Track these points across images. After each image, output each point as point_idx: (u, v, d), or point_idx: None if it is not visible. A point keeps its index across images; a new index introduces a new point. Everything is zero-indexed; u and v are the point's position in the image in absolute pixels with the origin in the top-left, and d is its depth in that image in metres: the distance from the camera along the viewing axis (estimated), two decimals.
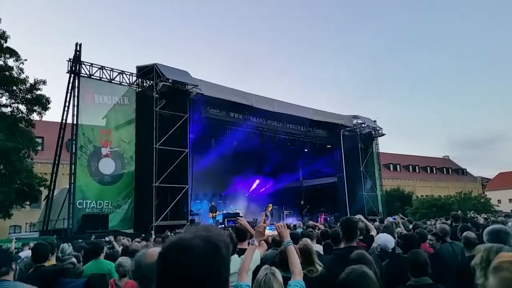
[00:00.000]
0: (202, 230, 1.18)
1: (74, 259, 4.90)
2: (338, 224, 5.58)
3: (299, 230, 9.92)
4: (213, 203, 24.02)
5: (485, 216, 15.79)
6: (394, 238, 5.48)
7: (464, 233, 5.72)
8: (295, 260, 3.17)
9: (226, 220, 21.89)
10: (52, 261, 5.36)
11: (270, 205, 26.34)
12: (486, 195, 48.20)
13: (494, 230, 3.99)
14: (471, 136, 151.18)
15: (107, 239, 10.64)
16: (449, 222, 10.86)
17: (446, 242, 6.11)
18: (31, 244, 8.39)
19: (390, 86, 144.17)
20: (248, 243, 3.94)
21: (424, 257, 3.57)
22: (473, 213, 16.81)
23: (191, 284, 1.08)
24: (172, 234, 12.12)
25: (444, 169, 71.23)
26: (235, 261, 4.06)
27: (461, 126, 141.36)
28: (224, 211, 23.52)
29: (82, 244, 8.22)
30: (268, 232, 5.33)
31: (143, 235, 13.77)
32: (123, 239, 10.67)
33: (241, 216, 16.02)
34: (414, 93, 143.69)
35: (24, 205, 23.86)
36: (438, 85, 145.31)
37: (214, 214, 22.79)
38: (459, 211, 15.10)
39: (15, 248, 9.93)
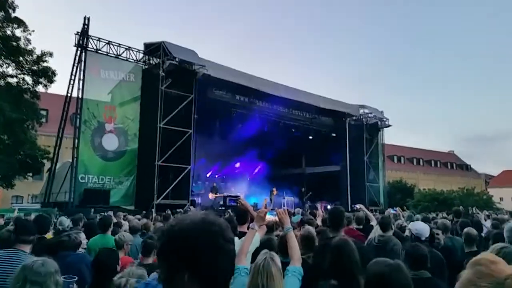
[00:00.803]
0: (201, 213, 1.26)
1: (73, 233, 4.84)
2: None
3: (298, 217, 9.88)
4: (215, 183, 24.00)
5: (487, 213, 15.70)
6: (391, 229, 5.45)
7: (466, 229, 5.68)
8: (295, 246, 3.18)
9: (227, 199, 21.91)
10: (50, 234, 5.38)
11: (275, 189, 26.31)
12: (489, 192, 48.09)
13: None
14: (478, 132, 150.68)
15: (106, 214, 10.68)
16: (450, 216, 10.83)
17: (447, 237, 6.10)
18: (33, 216, 8.41)
19: (399, 78, 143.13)
20: (248, 227, 3.91)
21: (424, 250, 3.53)
22: (475, 209, 16.70)
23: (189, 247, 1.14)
24: (171, 212, 12.15)
25: (448, 163, 71.08)
26: (235, 243, 4.02)
27: (468, 122, 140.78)
28: (225, 194, 23.52)
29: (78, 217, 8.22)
30: (269, 217, 5.31)
31: (144, 212, 13.81)
32: (125, 214, 10.74)
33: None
34: (422, 86, 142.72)
35: (26, 176, 24.03)
36: (447, 80, 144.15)
37: (215, 195, 22.79)
38: (461, 207, 15.01)
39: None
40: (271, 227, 5.18)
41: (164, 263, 1.17)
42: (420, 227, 4.81)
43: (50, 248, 4.05)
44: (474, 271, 1.15)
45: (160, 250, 1.21)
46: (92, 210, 14.33)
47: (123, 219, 9.40)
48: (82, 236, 4.82)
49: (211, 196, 23.09)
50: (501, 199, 53.51)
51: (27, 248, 3.55)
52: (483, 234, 6.62)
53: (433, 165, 68.14)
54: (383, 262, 2.23)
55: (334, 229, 4.22)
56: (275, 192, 26.00)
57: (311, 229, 4.06)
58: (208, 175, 28.06)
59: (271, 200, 25.50)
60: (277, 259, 2.87)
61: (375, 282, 2.16)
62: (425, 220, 8.72)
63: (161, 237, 1.22)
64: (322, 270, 3.12)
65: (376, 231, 5.30)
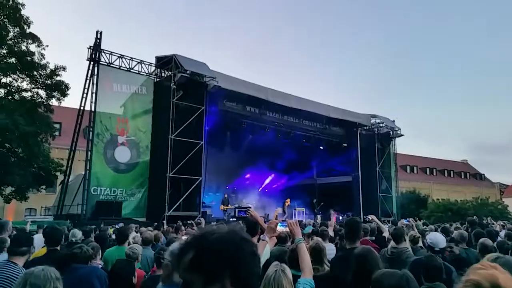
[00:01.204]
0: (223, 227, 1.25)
1: (85, 245, 4.87)
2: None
3: (309, 228, 9.79)
4: (226, 195, 23.98)
5: (502, 223, 15.44)
6: (404, 240, 5.38)
7: (481, 240, 5.58)
8: (306, 259, 3.15)
9: (237, 210, 21.89)
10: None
11: (288, 200, 26.19)
12: (503, 201, 47.23)
13: None
14: (491, 141, 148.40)
15: (117, 226, 10.75)
16: (464, 227, 10.68)
17: (462, 248, 6.00)
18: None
19: (411, 87, 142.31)
20: (259, 239, 3.90)
21: (439, 262, 3.48)
22: (489, 220, 16.44)
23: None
24: (182, 223, 12.15)
25: (462, 173, 70.10)
26: None
27: (481, 130, 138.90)
28: (236, 205, 23.47)
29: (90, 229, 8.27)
30: (280, 228, 5.27)
31: (155, 224, 13.84)
32: (136, 226, 10.79)
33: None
34: (434, 95, 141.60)
35: (40, 189, 24.33)
36: (459, 88, 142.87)
37: (226, 207, 22.77)
38: (475, 217, 14.80)
39: (29, 231, 10.10)
40: (283, 239, 5.15)
41: (200, 274, 1.12)
42: (435, 237, 4.75)
43: (62, 260, 4.07)
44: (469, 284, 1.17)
45: (193, 261, 1.14)
46: (103, 222, 14.34)
47: (135, 231, 9.43)
48: (82, 245, 4.85)
49: (222, 207, 23.07)
50: None
51: (21, 259, 3.56)
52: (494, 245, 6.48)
53: (446, 174, 67.28)
54: (396, 275, 2.20)
55: (351, 240, 4.18)
56: (288, 203, 25.89)
57: (320, 240, 4.02)
58: (219, 186, 28.05)
59: (284, 211, 25.39)
60: (288, 271, 2.86)
61: None
62: (444, 231, 8.59)
63: (192, 247, 1.17)
64: (342, 282, 3.08)
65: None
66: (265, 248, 3.54)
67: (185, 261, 1.16)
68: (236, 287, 1.12)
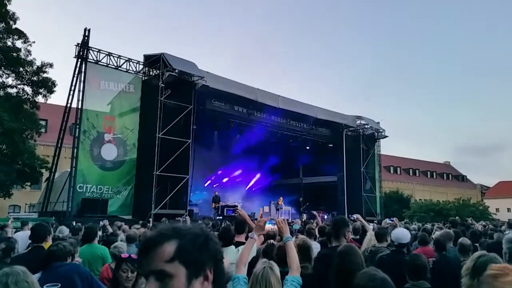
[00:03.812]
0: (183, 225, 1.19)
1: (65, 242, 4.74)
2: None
3: (296, 227, 10.02)
4: (216, 192, 23.97)
5: (484, 224, 15.84)
6: (386, 240, 5.51)
7: (460, 240, 5.80)
8: (294, 256, 3.21)
9: (225, 209, 21.97)
10: (49, 242, 5.35)
11: (281, 198, 26.36)
12: (484, 203, 48.25)
13: None
14: (474, 143, 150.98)
15: (101, 223, 10.71)
16: (446, 226, 10.98)
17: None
18: (30, 224, 8.46)
19: (395, 88, 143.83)
20: (247, 236, 4.00)
21: (424, 260, 3.58)
22: (471, 220, 16.85)
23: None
24: (168, 221, 12.19)
25: (444, 174, 71.20)
26: (231, 252, 4.13)
27: (463, 133, 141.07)
28: (223, 203, 23.55)
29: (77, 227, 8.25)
30: (268, 226, 5.38)
31: (140, 221, 13.82)
32: (121, 225, 10.76)
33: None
34: (418, 96, 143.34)
35: (24, 185, 24.04)
36: (443, 90, 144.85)
37: (217, 205, 22.78)
38: (457, 217, 15.17)
39: (13, 228, 10.00)
40: (272, 236, 5.26)
41: (183, 267, 1.06)
42: (398, 233, 4.90)
43: (45, 259, 3.95)
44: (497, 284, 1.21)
45: (177, 252, 1.06)
46: (88, 219, 14.15)
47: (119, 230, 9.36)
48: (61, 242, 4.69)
49: (213, 205, 23.06)
50: (497, 210, 53.68)
51: None
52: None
53: (429, 176, 68.26)
54: (369, 276, 2.22)
55: (336, 238, 4.27)
56: (280, 202, 26.07)
57: (306, 238, 4.15)
58: (206, 185, 28.11)
59: (277, 209, 25.56)
60: (276, 268, 2.94)
61: None
62: (426, 231, 8.84)
63: (172, 238, 1.09)
64: (324, 278, 3.18)
65: (369, 241, 5.37)
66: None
67: (165, 252, 1.06)
68: (214, 282, 1.12)
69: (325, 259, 3.79)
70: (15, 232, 8.98)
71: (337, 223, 4.44)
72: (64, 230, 7.55)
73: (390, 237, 5.20)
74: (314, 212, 13.09)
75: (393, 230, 7.62)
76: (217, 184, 28.79)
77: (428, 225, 13.58)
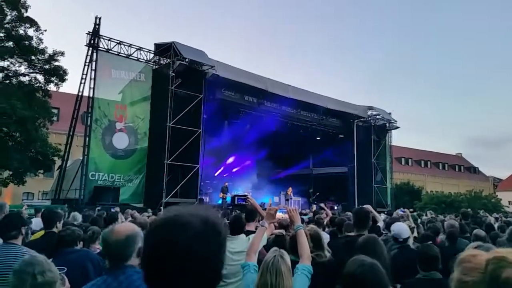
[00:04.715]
0: (200, 209, 1.08)
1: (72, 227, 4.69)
2: (346, 213, 5.61)
3: (305, 217, 10.00)
4: (226, 183, 24.06)
5: (496, 216, 15.65)
6: None
7: (474, 231, 5.74)
8: (305, 245, 3.20)
9: (236, 198, 22.02)
10: (60, 228, 5.36)
11: (290, 188, 26.33)
12: (497, 195, 47.69)
13: None
14: (486, 135, 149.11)
15: (113, 210, 10.81)
16: (458, 218, 10.87)
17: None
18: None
19: (407, 80, 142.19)
20: (257, 226, 3.98)
21: (436, 251, 3.54)
22: (483, 212, 16.68)
23: (184, 264, 0.98)
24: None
25: (456, 166, 70.50)
26: (242, 241, 4.12)
27: (476, 124, 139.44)
28: (233, 193, 23.61)
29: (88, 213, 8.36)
30: (279, 214, 5.35)
31: (150, 210, 13.92)
32: (133, 213, 10.86)
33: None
34: (431, 88, 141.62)
35: (37, 173, 24.35)
36: (456, 82, 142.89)
37: (224, 195, 22.91)
38: (469, 209, 15.00)
39: (27, 214, 10.16)
40: (285, 227, 5.24)
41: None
42: (398, 228, 4.86)
43: (56, 244, 3.92)
44: (460, 269, 1.22)
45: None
46: (99, 207, 14.18)
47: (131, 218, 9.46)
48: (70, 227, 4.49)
49: (221, 195, 23.19)
50: (509, 202, 53.05)
51: (17, 242, 3.43)
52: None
53: (440, 167, 67.65)
54: (358, 262, 2.18)
55: (359, 228, 4.28)
56: (290, 192, 26.04)
57: (316, 228, 4.13)
58: (216, 174, 28.18)
59: (287, 199, 25.56)
60: (287, 256, 2.92)
61: (348, 282, 2.14)
62: (432, 221, 8.76)
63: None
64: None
65: (391, 229, 5.32)
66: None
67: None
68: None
69: (350, 245, 3.78)
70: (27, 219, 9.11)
71: (359, 214, 4.43)
72: (78, 217, 7.65)
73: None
74: (322, 205, 13.10)
75: (404, 221, 7.60)
76: (227, 174, 28.85)
77: (441, 216, 13.45)
